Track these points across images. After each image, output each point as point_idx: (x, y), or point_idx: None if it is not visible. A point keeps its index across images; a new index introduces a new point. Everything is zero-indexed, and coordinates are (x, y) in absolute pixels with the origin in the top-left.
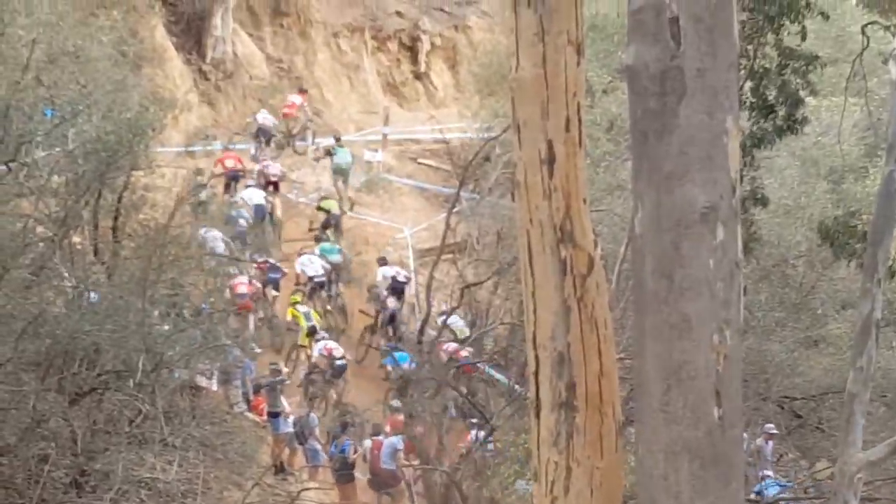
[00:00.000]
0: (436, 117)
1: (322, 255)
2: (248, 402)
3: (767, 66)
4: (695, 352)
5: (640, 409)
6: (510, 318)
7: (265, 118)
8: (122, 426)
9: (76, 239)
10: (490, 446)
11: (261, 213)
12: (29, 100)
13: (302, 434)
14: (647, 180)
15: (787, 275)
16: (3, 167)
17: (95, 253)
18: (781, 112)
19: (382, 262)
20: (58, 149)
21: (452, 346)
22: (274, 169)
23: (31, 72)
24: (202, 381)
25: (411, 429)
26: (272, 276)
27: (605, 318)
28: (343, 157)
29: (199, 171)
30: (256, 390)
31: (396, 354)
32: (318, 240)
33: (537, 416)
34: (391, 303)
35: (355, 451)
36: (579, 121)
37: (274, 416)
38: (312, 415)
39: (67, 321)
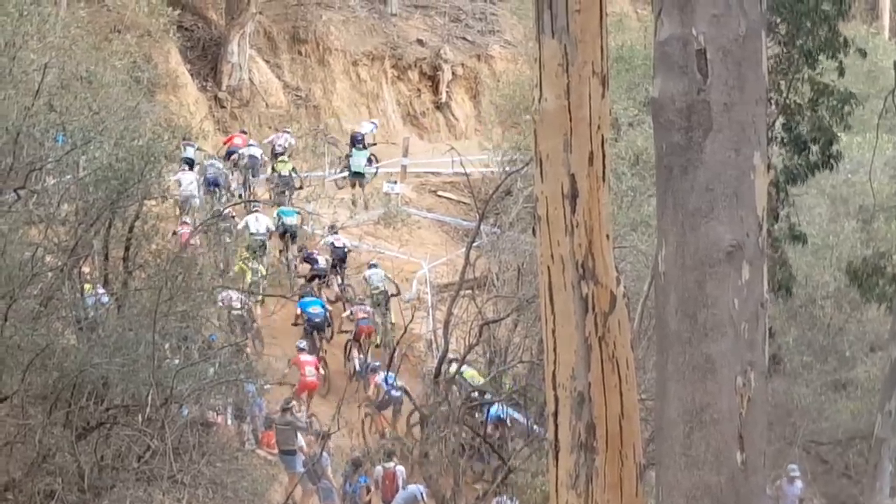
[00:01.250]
0: (456, 149)
1: (279, 216)
2: (256, 438)
3: (799, 101)
4: (718, 394)
5: (662, 452)
6: (530, 357)
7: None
8: (130, 462)
9: (86, 269)
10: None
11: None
12: (40, 125)
13: (314, 473)
14: (672, 217)
15: (815, 315)
16: (13, 194)
17: (105, 283)
18: (815, 148)
19: (332, 230)
20: (69, 176)
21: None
22: (282, 140)
23: (42, 97)
24: (217, 417)
25: (426, 469)
26: None
27: (626, 358)
28: (358, 159)
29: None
30: (268, 426)
31: (307, 300)
32: (277, 205)
33: (556, 457)
34: (322, 261)
35: (368, 491)
36: (603, 154)
37: (288, 454)
38: (325, 454)
39: (76, 353)
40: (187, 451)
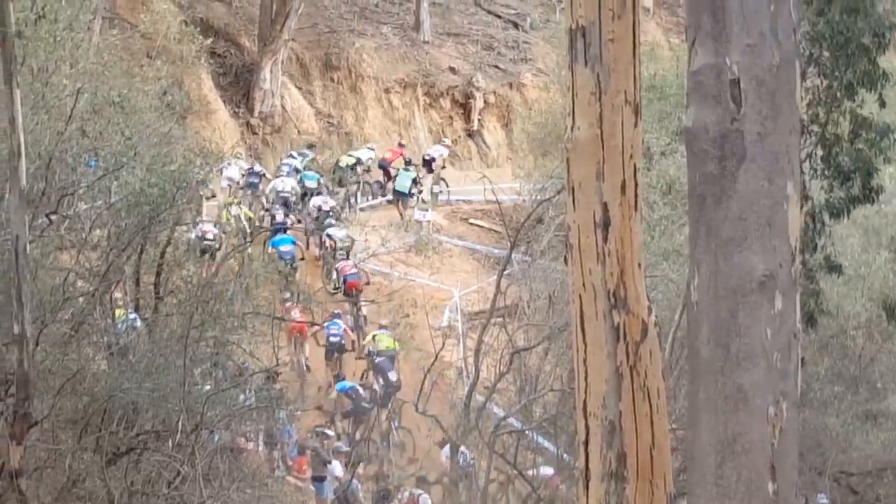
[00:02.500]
0: (488, 177)
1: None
2: (286, 464)
3: (838, 133)
4: (750, 424)
5: (693, 482)
6: (560, 385)
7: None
8: (160, 488)
9: (117, 294)
10: None
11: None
12: (72, 151)
13: (345, 500)
14: (705, 246)
15: (846, 346)
16: (45, 219)
17: (136, 309)
18: (856, 181)
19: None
20: (100, 201)
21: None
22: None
23: (75, 122)
24: (247, 444)
25: (455, 497)
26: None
27: (657, 387)
28: (403, 180)
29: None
30: (301, 452)
31: (278, 238)
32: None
33: (586, 486)
34: (279, 216)
35: None
36: (636, 183)
37: (319, 479)
38: (355, 481)
39: (106, 378)
40: (217, 478)
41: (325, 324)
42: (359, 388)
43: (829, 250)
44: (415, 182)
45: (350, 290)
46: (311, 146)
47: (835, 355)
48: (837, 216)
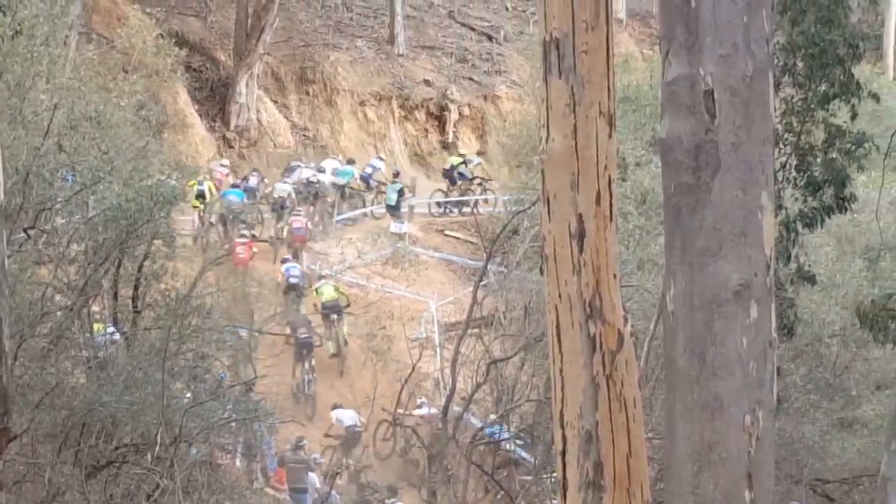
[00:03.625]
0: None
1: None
2: (265, 476)
3: (812, 142)
4: (726, 433)
5: (670, 491)
6: (537, 395)
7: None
8: (139, 501)
9: (95, 308)
10: None
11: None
12: (50, 166)
13: None
14: (680, 256)
15: (821, 354)
16: (23, 234)
17: (115, 323)
18: (830, 190)
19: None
20: (78, 216)
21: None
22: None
23: (52, 137)
24: (226, 456)
25: None
26: None
27: (634, 397)
28: (391, 193)
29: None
30: (281, 464)
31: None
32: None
33: (564, 496)
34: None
35: None
36: (610, 194)
37: (299, 491)
38: (334, 493)
39: (85, 392)
40: (196, 490)
41: (284, 267)
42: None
43: (802, 260)
44: (401, 194)
45: (294, 244)
46: (396, 174)
47: (810, 363)
48: (811, 226)
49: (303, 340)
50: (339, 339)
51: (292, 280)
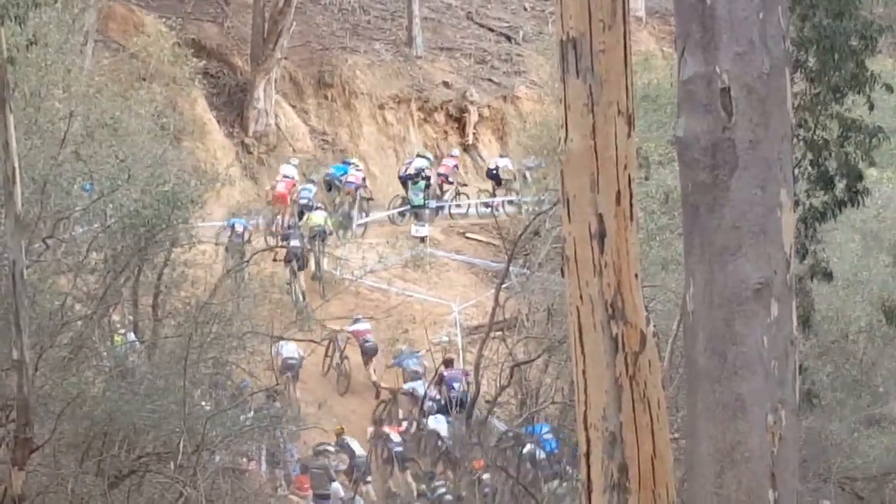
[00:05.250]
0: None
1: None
2: (288, 483)
3: (827, 137)
4: (749, 432)
5: (693, 492)
6: (561, 398)
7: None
8: None
9: (115, 317)
10: None
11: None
12: (67, 174)
13: None
14: (699, 255)
15: (847, 351)
16: (42, 244)
17: (135, 331)
18: (841, 185)
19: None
20: (96, 224)
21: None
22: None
23: (69, 146)
24: (249, 463)
25: None
26: None
27: (657, 398)
28: (416, 193)
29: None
30: (303, 471)
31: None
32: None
33: (589, 498)
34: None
35: None
36: (630, 194)
37: (322, 497)
38: (358, 498)
39: (106, 401)
40: (220, 498)
41: (299, 188)
42: None
43: (819, 256)
44: (427, 185)
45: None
46: (417, 173)
47: (836, 360)
48: (822, 220)
49: (295, 251)
50: (321, 263)
51: (303, 201)
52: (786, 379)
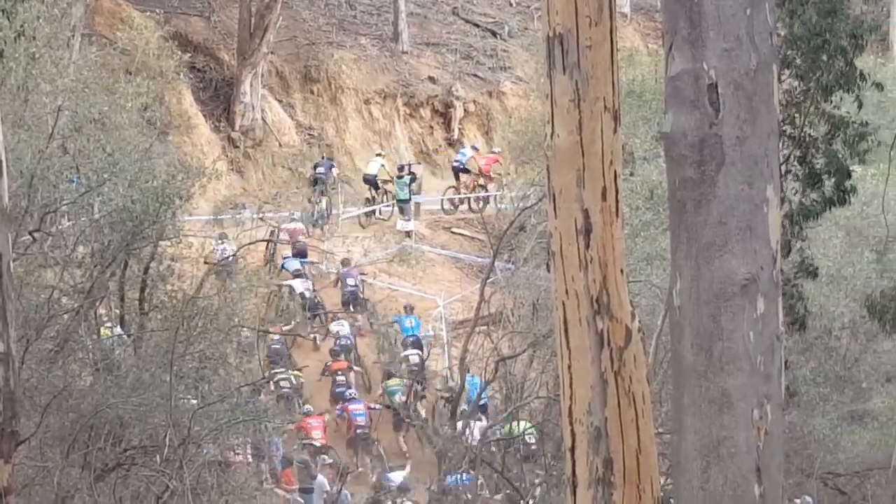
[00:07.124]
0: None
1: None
2: (274, 476)
3: (814, 134)
4: (735, 428)
5: (679, 487)
6: (546, 392)
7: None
8: (149, 503)
9: (102, 311)
10: None
11: None
12: (54, 168)
13: None
14: (686, 251)
15: (831, 347)
16: (29, 237)
17: (122, 325)
18: (829, 182)
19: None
20: (83, 218)
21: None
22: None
23: (56, 140)
24: (235, 457)
25: None
26: None
27: (642, 392)
28: (400, 188)
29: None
30: (287, 464)
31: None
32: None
33: (573, 492)
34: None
35: None
36: (616, 189)
37: (307, 491)
38: (345, 491)
39: (93, 395)
40: (206, 492)
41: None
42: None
43: (805, 253)
44: (413, 180)
45: None
46: (400, 168)
47: (820, 356)
48: (810, 218)
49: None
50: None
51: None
52: (772, 374)
